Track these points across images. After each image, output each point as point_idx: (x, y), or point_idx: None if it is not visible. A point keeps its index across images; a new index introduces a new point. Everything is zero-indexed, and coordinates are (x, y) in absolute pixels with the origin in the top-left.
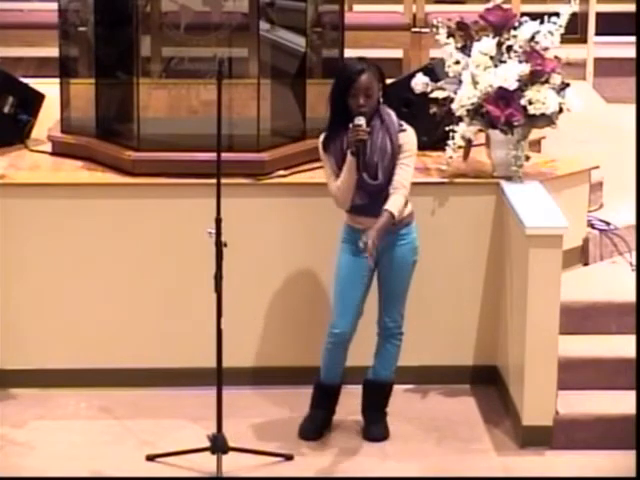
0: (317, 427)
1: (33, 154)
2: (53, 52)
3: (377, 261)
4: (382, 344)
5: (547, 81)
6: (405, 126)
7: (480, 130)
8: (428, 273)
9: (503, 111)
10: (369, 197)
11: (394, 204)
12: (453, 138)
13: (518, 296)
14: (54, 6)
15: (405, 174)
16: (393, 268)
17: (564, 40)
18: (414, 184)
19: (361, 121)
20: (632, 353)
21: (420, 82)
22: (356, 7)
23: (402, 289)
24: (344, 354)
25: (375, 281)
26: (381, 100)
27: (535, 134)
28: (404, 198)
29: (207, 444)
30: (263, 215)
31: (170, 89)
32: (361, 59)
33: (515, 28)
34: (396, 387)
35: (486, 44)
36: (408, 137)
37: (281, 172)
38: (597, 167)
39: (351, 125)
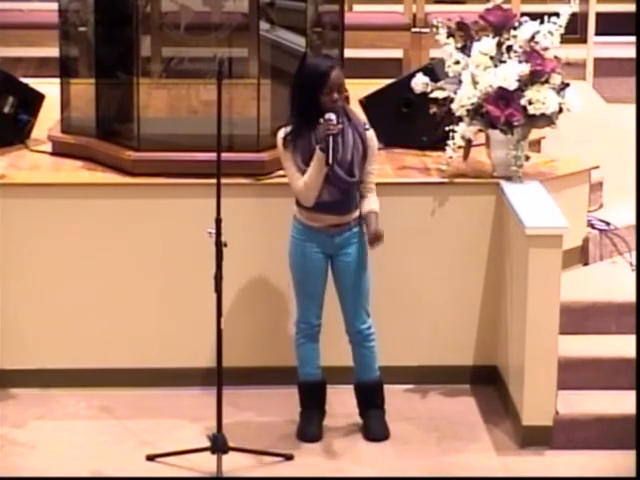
0: (314, 426)
1: (33, 154)
2: (53, 52)
3: (332, 265)
4: (357, 350)
5: (547, 81)
6: (367, 125)
7: (480, 130)
8: (428, 273)
9: (503, 111)
10: (341, 194)
11: (374, 203)
12: (453, 138)
13: (518, 296)
14: (54, 6)
15: (374, 178)
16: (353, 268)
17: (564, 40)
18: (414, 184)
19: (332, 116)
20: (632, 353)
21: (420, 82)
22: (356, 7)
23: (365, 286)
24: (317, 347)
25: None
26: (347, 96)
27: (535, 134)
28: (376, 197)
29: (207, 444)
30: (263, 215)
31: (170, 89)
32: (326, 56)
33: (515, 28)
34: (396, 387)
35: (486, 44)
36: (372, 137)
37: (281, 172)
38: (597, 167)
39: (322, 120)
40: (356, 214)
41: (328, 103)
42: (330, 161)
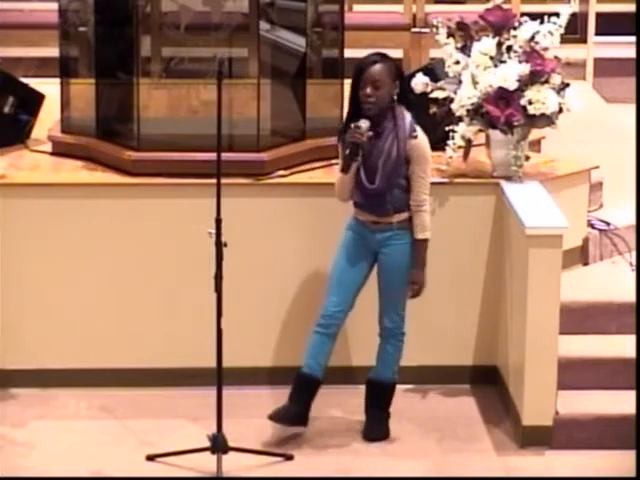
0: (291, 412)
1: (33, 154)
2: (53, 52)
3: (376, 260)
4: (382, 345)
5: (547, 81)
6: (418, 132)
7: (480, 130)
8: (428, 273)
9: (503, 111)
10: (366, 198)
11: (422, 226)
12: (453, 138)
13: (518, 296)
14: (54, 6)
15: (422, 187)
16: (389, 268)
17: (564, 40)
18: None
19: (363, 124)
20: (632, 353)
21: (420, 82)
22: (356, 7)
23: (399, 290)
24: (331, 344)
25: (375, 279)
26: (395, 99)
27: (535, 134)
28: (427, 214)
29: (207, 444)
30: (263, 215)
31: (170, 89)
32: (379, 54)
33: (515, 28)
34: (396, 387)
35: (486, 44)
36: (418, 145)
37: (281, 172)
38: (597, 167)
39: (352, 125)
40: (400, 217)
41: (362, 98)
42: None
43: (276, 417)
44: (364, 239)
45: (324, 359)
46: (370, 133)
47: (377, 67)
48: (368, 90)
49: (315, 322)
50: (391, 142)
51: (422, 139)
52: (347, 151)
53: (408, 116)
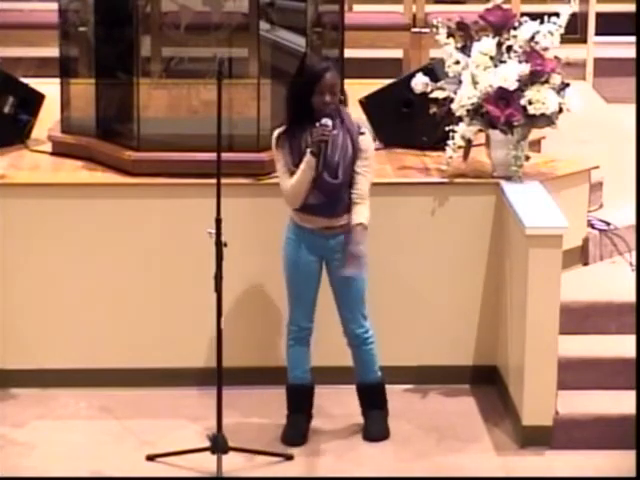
0: (299, 431)
1: (33, 154)
2: (53, 52)
3: (327, 268)
4: (356, 353)
5: (547, 81)
6: (363, 129)
7: (480, 130)
8: (428, 273)
9: (503, 111)
10: (325, 196)
11: (363, 215)
12: (453, 138)
13: (518, 296)
14: (54, 6)
15: (367, 183)
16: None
17: (564, 40)
18: (414, 184)
19: (328, 122)
20: (632, 353)
21: (420, 82)
22: (356, 7)
23: (358, 291)
24: (308, 350)
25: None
26: (341, 99)
27: (535, 134)
28: (368, 207)
29: (207, 444)
30: (263, 215)
31: (170, 89)
32: (324, 58)
33: (515, 28)
34: (396, 387)
35: (486, 44)
36: (367, 141)
37: None
38: (597, 167)
39: (317, 124)
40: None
41: (319, 105)
42: (320, 168)
43: (290, 440)
44: (313, 248)
45: (308, 365)
46: (335, 131)
47: (332, 74)
48: (327, 98)
49: (287, 335)
50: (344, 137)
51: (369, 135)
52: (312, 149)
53: (350, 113)
